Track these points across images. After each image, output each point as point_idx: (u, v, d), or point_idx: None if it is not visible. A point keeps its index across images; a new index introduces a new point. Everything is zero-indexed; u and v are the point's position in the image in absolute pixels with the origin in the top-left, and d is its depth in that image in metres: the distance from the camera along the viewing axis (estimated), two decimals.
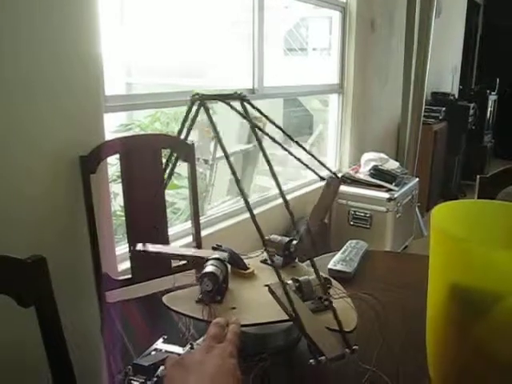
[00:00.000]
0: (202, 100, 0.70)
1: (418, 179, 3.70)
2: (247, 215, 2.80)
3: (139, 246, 0.95)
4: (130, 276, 1.71)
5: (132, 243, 1.67)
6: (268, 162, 0.77)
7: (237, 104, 0.80)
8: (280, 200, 2.78)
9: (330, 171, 0.95)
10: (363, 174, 3.39)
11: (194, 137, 2.73)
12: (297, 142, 0.96)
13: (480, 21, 7.59)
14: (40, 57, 1.46)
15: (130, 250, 1.60)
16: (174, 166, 0.93)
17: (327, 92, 3.53)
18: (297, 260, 1.01)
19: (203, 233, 2.28)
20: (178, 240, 2.12)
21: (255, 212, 2.74)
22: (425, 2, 3.67)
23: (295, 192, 3.02)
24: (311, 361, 0.67)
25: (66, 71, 1.55)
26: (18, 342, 1.34)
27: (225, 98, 0.75)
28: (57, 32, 1.50)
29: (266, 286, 0.79)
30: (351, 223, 3.32)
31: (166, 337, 0.86)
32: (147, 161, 1.69)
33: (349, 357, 0.69)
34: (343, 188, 3.36)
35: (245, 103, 0.78)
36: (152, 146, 1.70)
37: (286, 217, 2.71)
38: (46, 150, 1.52)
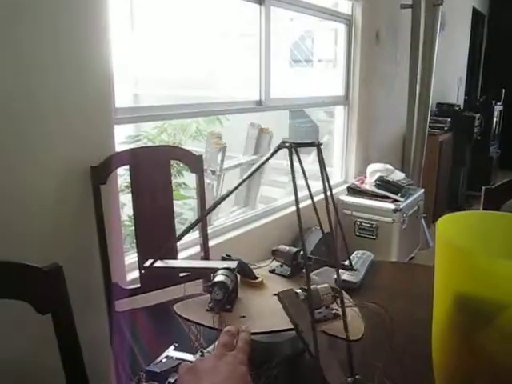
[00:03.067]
0: (290, 148, 0.82)
1: (423, 190, 3.71)
2: (254, 225, 2.83)
3: (148, 263, 0.97)
4: (138, 285, 1.73)
5: (141, 253, 1.71)
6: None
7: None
8: (286, 211, 2.82)
9: None
10: (369, 184, 3.41)
11: (197, 146, 2.76)
12: None
13: (485, 31, 7.63)
14: (51, 70, 1.50)
15: (139, 268, 1.63)
16: None
17: (333, 103, 3.56)
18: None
19: (211, 243, 2.31)
20: (186, 250, 2.14)
21: (263, 222, 2.75)
22: (429, 16, 3.70)
23: (303, 202, 3.03)
24: None
25: (78, 85, 1.58)
26: (34, 349, 1.36)
27: (304, 145, 0.85)
28: (67, 45, 1.53)
29: (275, 294, 0.81)
30: (357, 234, 3.33)
31: (176, 344, 0.88)
32: (156, 172, 1.72)
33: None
34: (349, 199, 3.38)
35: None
36: (161, 157, 1.74)
37: (292, 227, 2.73)
38: (58, 161, 1.56)
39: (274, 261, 1.04)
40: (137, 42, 2.82)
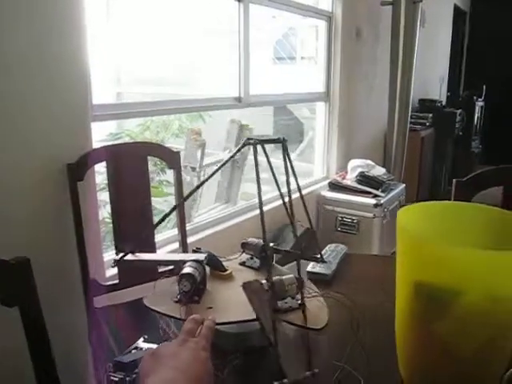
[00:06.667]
0: (255, 144, 0.86)
1: (404, 185, 3.75)
2: (234, 221, 2.84)
3: (119, 256, 0.98)
4: (117, 281, 1.74)
5: (119, 249, 1.71)
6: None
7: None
8: (268, 206, 2.84)
9: None
10: (350, 180, 3.44)
11: (181, 144, 2.77)
12: None
13: (467, 28, 7.71)
14: (24, 68, 1.50)
15: (114, 261, 1.64)
16: None
17: (313, 100, 3.58)
18: (274, 262, 1.05)
19: (191, 239, 2.32)
20: (166, 246, 2.15)
21: (242, 218, 2.77)
22: (409, 13, 3.74)
23: (285, 198, 3.06)
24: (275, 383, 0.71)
25: (53, 82, 1.59)
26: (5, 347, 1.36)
27: (270, 142, 0.91)
28: (42, 42, 1.53)
29: (242, 285, 0.83)
30: (338, 229, 3.36)
31: (146, 336, 0.89)
32: (133, 168, 1.73)
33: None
34: (330, 194, 3.41)
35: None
36: (138, 153, 1.74)
37: (272, 223, 2.75)
38: (33, 158, 1.56)
39: (244, 253, 1.06)
40: (118, 41, 2.81)
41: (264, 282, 0.82)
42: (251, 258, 1.04)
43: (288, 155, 0.91)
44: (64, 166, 1.62)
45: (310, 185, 3.49)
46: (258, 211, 2.65)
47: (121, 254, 0.98)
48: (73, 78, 1.64)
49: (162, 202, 3.01)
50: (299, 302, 0.86)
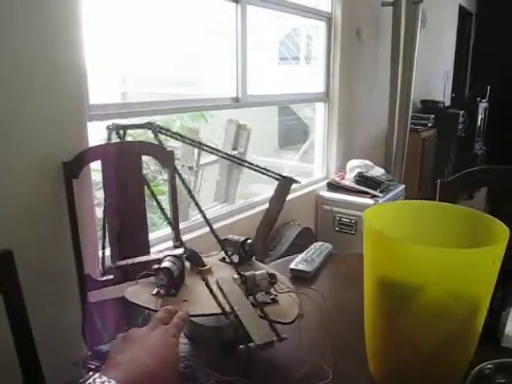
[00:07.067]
0: (118, 130, 0.97)
1: (404, 186, 3.77)
2: (231, 220, 2.87)
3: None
4: (112, 277, 1.78)
5: (113, 246, 1.76)
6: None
7: None
8: (265, 206, 2.88)
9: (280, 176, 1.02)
10: (348, 180, 3.47)
11: (178, 143, 2.81)
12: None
13: (473, 29, 7.69)
14: (21, 68, 1.55)
15: (112, 261, 1.70)
16: None
17: (313, 100, 3.61)
18: (254, 258, 1.08)
19: (188, 236, 2.37)
20: (161, 244, 2.20)
21: (241, 216, 2.81)
22: (409, 13, 3.76)
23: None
24: (241, 346, 0.74)
25: (50, 83, 1.63)
26: None
27: (136, 127, 1.00)
28: (39, 43, 1.58)
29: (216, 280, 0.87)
30: (336, 229, 3.39)
31: (126, 328, 0.93)
32: (128, 167, 1.77)
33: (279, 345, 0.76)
34: (329, 194, 3.44)
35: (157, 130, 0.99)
36: (133, 152, 1.78)
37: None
38: (30, 157, 1.61)
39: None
40: (123, 42, 2.86)
41: (236, 276, 0.86)
42: (231, 255, 1.08)
43: (159, 140, 0.98)
44: (60, 164, 1.67)
45: (309, 185, 3.52)
46: (255, 210, 2.70)
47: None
48: (69, 79, 1.69)
49: (162, 200, 3.06)
50: (271, 297, 0.90)
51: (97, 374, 0.56)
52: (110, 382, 0.55)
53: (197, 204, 0.97)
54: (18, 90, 1.55)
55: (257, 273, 0.88)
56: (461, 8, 6.72)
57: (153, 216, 3.04)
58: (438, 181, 1.50)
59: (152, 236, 2.17)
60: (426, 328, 0.78)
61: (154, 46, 3.12)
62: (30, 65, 1.57)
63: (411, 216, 0.90)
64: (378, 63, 4.11)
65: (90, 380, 0.55)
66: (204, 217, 0.95)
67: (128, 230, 1.75)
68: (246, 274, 0.87)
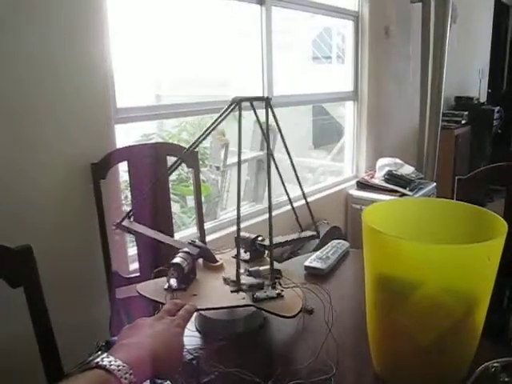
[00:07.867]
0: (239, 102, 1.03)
1: (435, 184, 3.72)
2: (260, 219, 2.91)
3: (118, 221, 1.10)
4: (138, 274, 1.85)
5: (139, 245, 1.82)
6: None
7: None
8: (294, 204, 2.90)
9: None
10: (378, 179, 3.45)
11: (206, 144, 2.87)
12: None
13: (510, 23, 7.48)
14: (50, 73, 1.63)
15: (139, 260, 1.76)
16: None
17: (341, 99, 3.61)
18: (266, 255, 1.12)
19: (216, 235, 2.42)
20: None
21: (266, 216, 2.84)
22: (439, 8, 3.71)
23: (315, 195, 3.14)
24: None
25: (78, 88, 1.71)
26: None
27: (254, 99, 1.09)
28: (67, 48, 1.66)
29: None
30: None
31: None
32: (153, 167, 1.83)
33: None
34: (358, 193, 3.44)
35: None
36: (157, 153, 1.84)
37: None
38: (59, 159, 1.69)
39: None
40: (156, 46, 2.94)
41: (242, 271, 0.90)
42: (244, 252, 1.12)
43: (273, 113, 1.05)
44: (88, 165, 1.74)
45: (338, 183, 3.53)
46: (282, 209, 2.74)
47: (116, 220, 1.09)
48: (96, 84, 1.76)
49: (191, 200, 3.12)
50: (277, 292, 0.93)
51: (105, 354, 0.62)
52: (116, 360, 0.61)
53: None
54: (51, 91, 1.63)
55: (261, 268, 0.92)
56: (496, 1, 6.55)
57: (182, 216, 3.12)
58: (456, 178, 1.49)
59: (179, 235, 2.23)
60: (424, 324, 0.80)
61: (187, 49, 3.19)
62: (62, 67, 1.64)
63: (413, 214, 0.91)
64: (408, 61, 4.07)
65: (99, 359, 0.61)
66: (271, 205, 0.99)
67: (154, 230, 1.81)
68: (251, 269, 0.91)
